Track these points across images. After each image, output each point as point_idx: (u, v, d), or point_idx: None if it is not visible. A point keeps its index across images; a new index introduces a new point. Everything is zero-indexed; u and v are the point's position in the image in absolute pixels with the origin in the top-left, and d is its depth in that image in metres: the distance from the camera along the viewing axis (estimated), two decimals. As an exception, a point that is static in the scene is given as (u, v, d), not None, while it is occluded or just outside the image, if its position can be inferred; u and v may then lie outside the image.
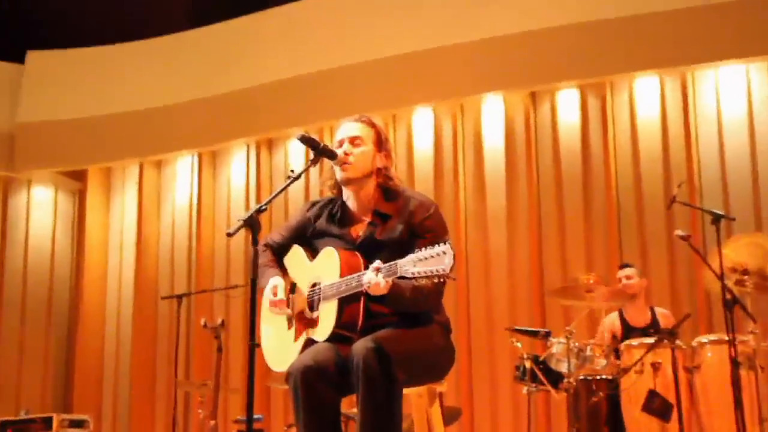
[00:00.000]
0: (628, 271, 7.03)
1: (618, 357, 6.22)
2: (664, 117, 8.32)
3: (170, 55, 10.26)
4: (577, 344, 6.16)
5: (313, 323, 3.69)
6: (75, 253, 10.79)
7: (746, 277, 5.88)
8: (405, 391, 3.58)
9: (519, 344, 6.42)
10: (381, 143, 3.84)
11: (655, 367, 5.85)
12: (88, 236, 10.62)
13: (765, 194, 7.89)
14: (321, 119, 9.34)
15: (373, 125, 3.86)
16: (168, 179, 10.53)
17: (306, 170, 3.74)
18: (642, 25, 8.23)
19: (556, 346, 6.22)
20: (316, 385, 3.50)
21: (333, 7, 9.66)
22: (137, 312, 10.26)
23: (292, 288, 3.85)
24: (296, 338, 3.75)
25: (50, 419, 8.48)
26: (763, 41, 7.90)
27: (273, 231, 4.07)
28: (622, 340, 6.53)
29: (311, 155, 3.71)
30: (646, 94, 8.42)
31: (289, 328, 3.79)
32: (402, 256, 3.35)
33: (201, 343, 9.61)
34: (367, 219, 3.78)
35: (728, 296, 5.28)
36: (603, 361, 6.14)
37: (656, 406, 5.77)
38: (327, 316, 3.60)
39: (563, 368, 6.12)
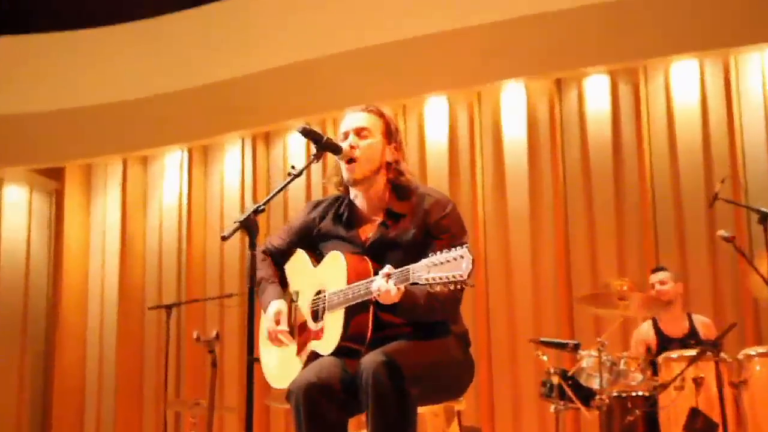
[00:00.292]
0: (661, 275, 7.01)
1: (655, 371, 6.21)
2: (705, 105, 8.30)
3: (157, 40, 10.27)
4: (609, 357, 6.14)
5: (317, 335, 3.68)
6: (52, 259, 10.80)
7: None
8: (419, 409, 3.56)
9: (545, 357, 6.41)
10: (390, 134, 3.84)
11: (698, 382, 5.82)
12: (67, 241, 10.64)
13: (818, 189, 7.87)
14: (324, 110, 9.34)
15: (381, 115, 3.85)
16: (155, 177, 10.54)
17: (308, 166, 3.73)
18: (679, 3, 8.21)
19: (587, 359, 6.21)
20: (321, 404, 3.49)
21: (336, -15, 9.67)
22: (122, 324, 10.27)
23: (295, 296, 3.85)
24: (299, 352, 3.75)
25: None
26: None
27: (272, 234, 4.07)
28: (658, 353, 6.51)
29: (313, 149, 3.70)
30: (683, 79, 8.40)
31: (292, 340, 3.78)
32: (415, 260, 3.34)
33: (193, 358, 9.62)
34: (377, 219, 3.78)
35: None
36: (639, 376, 6.12)
37: (699, 425, 5.74)
38: (332, 328, 3.60)
39: (595, 384, 6.11)
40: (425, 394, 3.54)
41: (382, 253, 3.65)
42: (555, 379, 6.28)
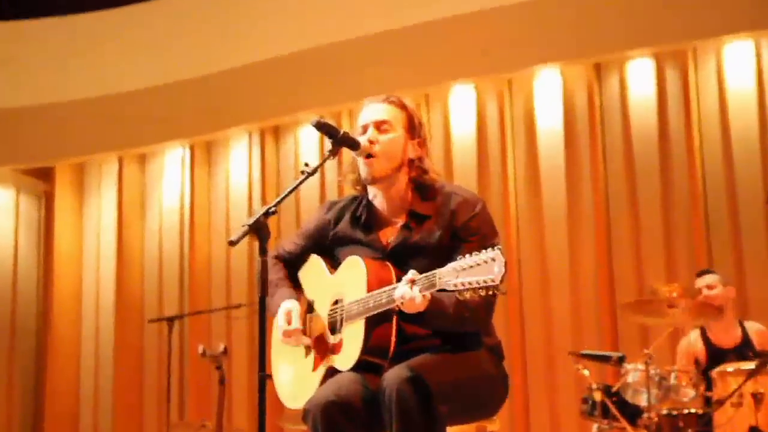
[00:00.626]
0: (708, 278, 6.98)
1: (709, 386, 6.19)
2: (761, 90, 8.27)
3: (155, 25, 10.29)
4: (658, 371, 6.14)
5: (335, 349, 3.71)
6: (41, 268, 10.86)
7: None
8: (448, 429, 3.59)
9: (586, 372, 6.41)
10: (414, 128, 3.86)
11: (757, 398, 5.82)
12: (58, 247, 10.69)
13: None
14: (339, 100, 9.36)
15: (403, 107, 3.87)
16: (153, 176, 10.59)
17: (323, 164, 3.75)
18: (732, -23, 8.21)
19: (633, 373, 6.21)
20: (340, 424, 3.52)
21: (352, -36, 9.69)
22: (119, 339, 10.32)
23: (310, 307, 3.87)
24: (315, 368, 3.77)
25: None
26: None
27: (284, 239, 4.09)
28: (707, 366, 6.50)
29: (328, 145, 3.72)
30: (737, 62, 8.37)
31: (307, 355, 3.81)
32: (442, 265, 3.36)
33: (198, 375, 9.66)
34: (399, 221, 3.80)
35: None
36: (691, 392, 6.12)
37: (758, 445, 5.74)
38: (352, 340, 3.62)
39: (642, 401, 6.11)
40: (454, 412, 3.56)
41: (405, 258, 3.67)
42: (597, 396, 6.28)
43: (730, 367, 6.16)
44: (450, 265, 3.32)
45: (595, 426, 6.37)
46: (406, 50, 9.15)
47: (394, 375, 3.45)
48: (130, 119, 10.27)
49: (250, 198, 9.94)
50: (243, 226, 3.43)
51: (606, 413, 6.29)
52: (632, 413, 6.20)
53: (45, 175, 10.86)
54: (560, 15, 8.68)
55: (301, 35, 9.56)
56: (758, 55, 8.32)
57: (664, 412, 6.06)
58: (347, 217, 3.91)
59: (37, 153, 10.66)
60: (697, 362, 6.72)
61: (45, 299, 10.71)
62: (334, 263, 3.88)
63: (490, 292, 3.25)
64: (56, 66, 10.51)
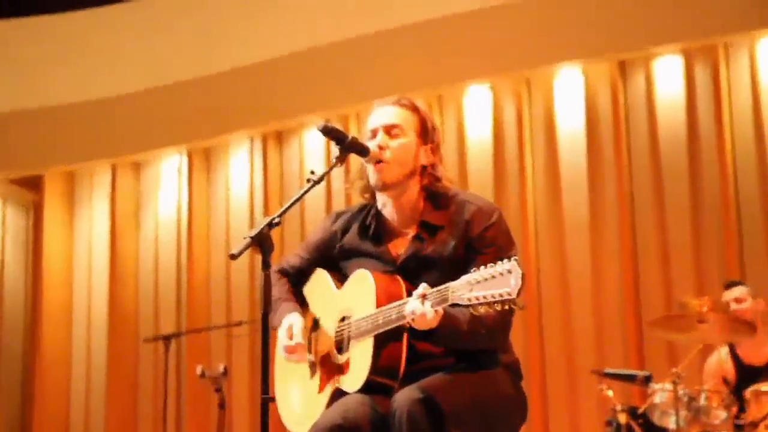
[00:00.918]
0: (737, 291, 6.96)
1: (743, 407, 6.19)
2: (799, 88, 8.30)
3: (150, 24, 10.33)
4: (687, 391, 6.14)
5: (341, 369, 3.72)
6: (30, 283, 10.90)
7: None
8: (463, 454, 3.60)
9: (610, 392, 6.41)
10: (426, 133, 3.87)
11: (795, 421, 5.82)
12: (47, 261, 10.73)
13: None
14: (346, 103, 9.39)
15: (415, 110, 3.89)
16: (149, 185, 10.62)
17: (329, 171, 3.78)
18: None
19: (660, 394, 6.21)
20: (348, 449, 3.54)
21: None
22: (112, 359, 10.35)
23: (315, 324, 3.89)
24: (321, 389, 3.78)
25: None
26: None
27: (288, 253, 4.11)
28: (737, 385, 6.49)
29: (336, 151, 3.74)
30: (773, 58, 8.40)
31: (312, 376, 3.83)
32: (455, 277, 3.37)
33: (196, 397, 9.68)
34: (411, 232, 3.81)
35: None
36: (723, 414, 6.12)
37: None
38: (360, 360, 3.63)
39: (670, 423, 6.11)
40: (469, 436, 3.58)
41: (416, 271, 3.69)
42: (622, 418, 6.29)
43: (765, 387, 6.16)
44: (464, 278, 3.33)
45: (620, 449, 6.37)
46: (418, 48, 9.17)
47: (404, 396, 3.46)
48: (123, 124, 10.31)
49: (251, 208, 9.97)
50: (244, 238, 3.45)
51: (632, 436, 6.29)
52: (660, 436, 6.21)
53: (33, 184, 10.89)
54: (582, 9, 8.69)
55: (306, 33, 9.59)
56: (796, 51, 8.34)
57: (694, 434, 6.07)
58: (355, 227, 3.93)
59: (25, 161, 10.70)
60: (725, 382, 6.71)
61: (33, 317, 10.74)
62: (341, 277, 3.89)
63: (507, 307, 3.25)
64: (44, 68, 10.53)
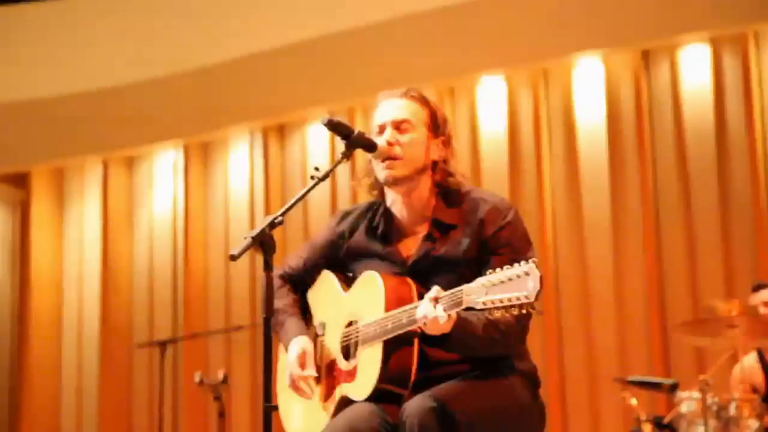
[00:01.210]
0: (766, 294, 6.97)
1: (775, 417, 6.20)
2: (832, 78, 8.30)
3: (143, 12, 10.33)
4: (716, 400, 6.15)
5: (348, 376, 3.73)
6: (17, 286, 10.90)
7: None
8: (477, 467, 3.61)
9: (634, 401, 6.42)
10: (437, 126, 3.88)
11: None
12: (35, 263, 10.75)
13: None
14: (352, 95, 9.40)
15: (425, 102, 3.90)
16: (143, 182, 10.64)
17: (335, 168, 3.78)
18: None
19: (687, 403, 6.22)
20: (355, 461, 3.55)
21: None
22: (105, 366, 10.36)
23: (320, 329, 3.90)
24: (326, 398, 3.80)
25: None
26: None
27: (290, 255, 4.12)
28: (767, 394, 6.49)
29: (341, 146, 3.75)
30: (806, 47, 8.40)
31: (318, 383, 3.84)
32: (469, 280, 3.39)
33: (194, 406, 9.69)
34: (422, 231, 3.83)
35: None
36: (754, 424, 6.12)
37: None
38: (368, 367, 3.64)
39: (697, 434, 6.12)
40: (484, 447, 3.59)
41: (427, 273, 3.71)
42: (647, 428, 6.29)
43: (798, 395, 6.17)
44: (478, 281, 3.35)
45: (644, 462, 6.38)
46: (428, 38, 9.18)
47: (415, 405, 3.48)
48: (115, 117, 10.32)
49: (252, 206, 9.98)
50: (245, 238, 3.46)
51: (657, 448, 6.30)
52: (687, 448, 6.22)
53: (19, 181, 10.91)
54: (603, -4, 8.71)
55: (310, 22, 9.59)
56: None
57: (724, 446, 6.08)
58: (362, 227, 3.94)
59: (10, 156, 10.71)
60: (754, 390, 6.71)
61: (20, 322, 10.75)
62: (348, 280, 3.91)
63: (524, 311, 3.27)
64: (30, 58, 10.54)
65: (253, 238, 3.44)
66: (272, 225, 3.48)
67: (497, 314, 3.30)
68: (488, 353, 3.65)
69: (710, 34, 8.57)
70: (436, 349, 3.59)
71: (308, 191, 3.70)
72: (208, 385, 6.72)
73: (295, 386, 3.77)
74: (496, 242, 3.71)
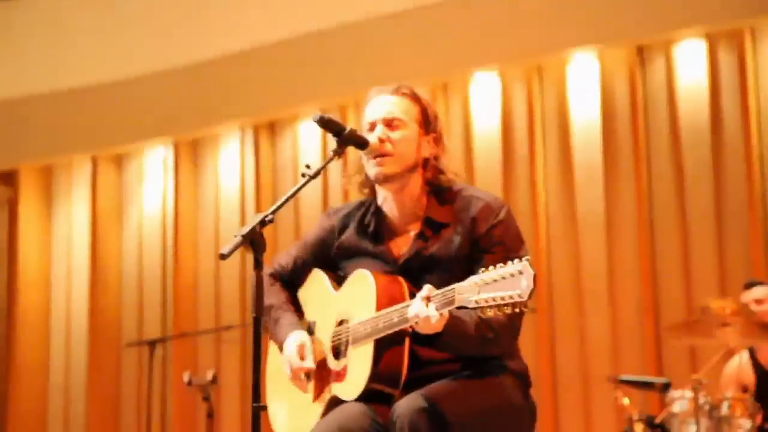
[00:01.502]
0: (758, 291, 6.97)
1: (767, 417, 6.20)
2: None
3: (132, 7, 10.33)
4: (708, 399, 6.16)
5: (338, 376, 3.74)
6: (4, 286, 10.89)
7: None
8: (469, 467, 3.62)
9: (626, 400, 6.43)
10: (428, 123, 3.89)
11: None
12: (23, 261, 10.75)
13: None
14: (344, 91, 9.40)
15: (416, 99, 3.90)
16: (132, 180, 10.64)
17: (326, 165, 3.78)
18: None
19: (679, 402, 6.23)
20: (345, 462, 3.56)
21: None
22: (93, 366, 10.36)
23: (310, 329, 3.91)
24: (316, 397, 3.81)
25: None
26: None
27: (280, 253, 4.13)
28: (758, 393, 6.50)
29: (332, 143, 3.76)
30: (802, 43, 8.41)
31: (307, 383, 3.84)
32: (461, 278, 3.40)
33: (183, 406, 9.69)
34: (413, 230, 3.83)
35: None
36: (747, 423, 6.13)
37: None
38: (358, 366, 3.65)
39: (690, 433, 6.13)
40: (475, 447, 3.60)
41: (419, 271, 3.72)
42: (639, 428, 6.30)
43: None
44: (471, 279, 3.35)
45: (636, 462, 6.40)
46: (421, 33, 9.18)
47: (406, 405, 3.49)
48: (104, 114, 10.32)
49: (242, 204, 9.98)
50: (235, 236, 3.46)
51: (649, 448, 6.32)
52: (679, 448, 6.23)
53: (7, 179, 10.90)
54: (597, -10, 8.72)
55: (301, 17, 9.59)
56: (828, 36, 8.35)
57: (717, 446, 6.09)
58: (353, 225, 3.94)
59: (-1, 154, 10.73)
60: (744, 389, 6.71)
61: (7, 322, 10.74)
62: (338, 279, 3.92)
63: (517, 310, 3.27)
64: (17, 54, 10.54)
65: (243, 236, 3.44)
66: (263, 223, 3.48)
67: (490, 313, 3.30)
68: (480, 352, 3.66)
69: (706, 29, 8.57)
70: (427, 348, 3.60)
71: (299, 189, 3.70)
72: (197, 386, 6.72)
73: (295, 378, 3.77)
74: (488, 240, 3.72)
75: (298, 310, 3.99)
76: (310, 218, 9.16)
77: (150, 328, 10.04)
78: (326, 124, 3.73)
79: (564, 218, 8.82)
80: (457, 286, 3.38)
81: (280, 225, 9.38)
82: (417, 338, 3.56)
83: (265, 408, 3.59)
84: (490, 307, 3.29)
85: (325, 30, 9.46)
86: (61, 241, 10.81)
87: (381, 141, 3.79)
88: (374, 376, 3.59)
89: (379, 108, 3.85)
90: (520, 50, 9.05)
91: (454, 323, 3.49)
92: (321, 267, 3.99)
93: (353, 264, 3.85)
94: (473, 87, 9.27)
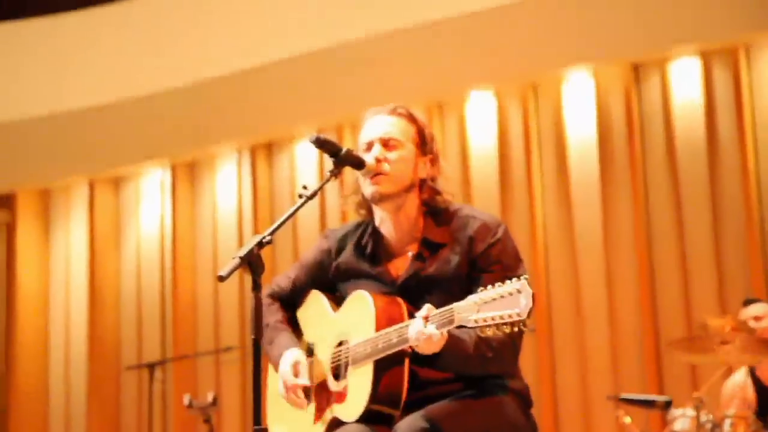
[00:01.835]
0: (755, 309, 6.96)
1: (769, 433, 6.20)
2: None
3: (128, 30, 10.34)
4: (710, 417, 6.15)
5: (339, 397, 3.73)
6: (3, 309, 10.87)
7: None
8: (469, 487, 3.61)
9: (627, 419, 6.42)
10: (425, 144, 3.89)
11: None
12: (21, 285, 10.73)
13: None
14: (339, 112, 9.40)
15: (412, 119, 3.91)
16: (129, 202, 10.63)
17: (323, 186, 3.77)
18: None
19: (681, 420, 6.22)
20: (345, 484, 3.56)
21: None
22: (92, 389, 10.34)
23: (309, 351, 3.90)
24: (317, 419, 3.79)
25: None
26: None
27: (279, 275, 4.12)
28: (758, 410, 6.48)
29: (329, 164, 3.75)
30: (797, 60, 8.42)
31: (307, 405, 3.83)
32: (460, 298, 3.39)
33: (184, 429, 9.66)
34: (411, 250, 3.83)
35: None
36: (749, 440, 6.13)
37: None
38: (358, 387, 3.64)
39: (691, 451, 6.12)
40: (477, 467, 3.59)
41: (418, 292, 3.71)
42: (642, 446, 6.29)
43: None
44: (470, 298, 3.35)
45: (639, 481, 6.38)
46: (417, 53, 9.20)
47: (407, 426, 3.49)
48: (101, 137, 10.31)
49: (240, 226, 9.98)
50: (233, 258, 3.45)
51: (651, 466, 6.31)
52: (681, 466, 6.22)
53: (5, 203, 10.89)
54: (592, 8, 8.71)
55: (297, 38, 9.60)
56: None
57: (718, 464, 6.08)
58: (351, 246, 3.94)
59: (-4, 178, 10.72)
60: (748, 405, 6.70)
61: (6, 347, 10.72)
62: (337, 300, 3.91)
63: (516, 329, 3.27)
64: (13, 77, 10.54)
65: (241, 257, 3.43)
66: (260, 244, 3.47)
67: (489, 332, 3.30)
68: (481, 371, 3.66)
69: (700, 46, 8.58)
70: (426, 369, 3.59)
71: (297, 210, 3.70)
72: (197, 408, 6.72)
73: (289, 396, 3.76)
74: (486, 260, 3.72)
75: (296, 330, 3.97)
76: (308, 239, 9.16)
77: (149, 351, 10.02)
78: (322, 144, 3.73)
79: (561, 237, 8.81)
80: (455, 305, 3.38)
81: (278, 246, 9.38)
82: (416, 359, 3.55)
83: (266, 430, 3.57)
84: (489, 326, 3.29)
85: (321, 51, 9.47)
86: (59, 264, 10.80)
87: (378, 161, 3.79)
88: (374, 397, 3.58)
89: (376, 128, 3.86)
90: (516, 69, 9.07)
91: (453, 342, 3.49)
92: (319, 288, 3.98)
93: (351, 285, 3.84)
94: (469, 106, 9.27)
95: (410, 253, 3.81)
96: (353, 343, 3.70)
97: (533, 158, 8.99)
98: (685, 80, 8.64)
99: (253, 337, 3.43)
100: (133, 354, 10.15)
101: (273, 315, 3.96)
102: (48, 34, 10.52)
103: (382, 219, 3.88)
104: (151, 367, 7.84)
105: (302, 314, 4.01)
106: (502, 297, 3.27)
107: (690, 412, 6.15)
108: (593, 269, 8.66)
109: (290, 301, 4.02)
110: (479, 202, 8.74)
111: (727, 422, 6.15)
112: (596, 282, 8.63)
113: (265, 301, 3.93)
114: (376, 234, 3.89)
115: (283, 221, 3.66)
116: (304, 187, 3.69)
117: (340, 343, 3.77)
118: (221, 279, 3.42)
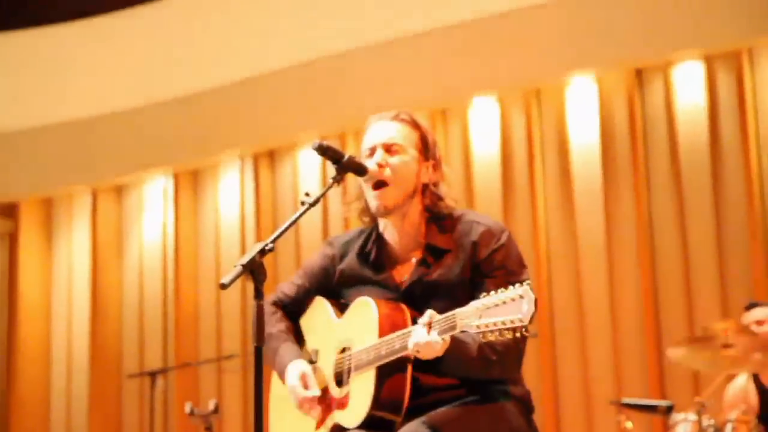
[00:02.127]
0: (758, 313, 6.95)
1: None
2: (829, 96, 8.32)
3: (131, 39, 10.31)
4: (712, 422, 6.14)
5: (341, 404, 3.75)
6: (5, 318, 10.86)
7: None
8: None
9: (629, 424, 6.41)
10: (428, 150, 3.91)
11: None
12: (23, 294, 10.74)
13: None
14: (342, 119, 9.41)
15: (415, 125, 3.92)
16: (132, 211, 10.63)
17: (326, 193, 3.79)
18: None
19: (683, 425, 6.22)
20: (347, 492, 3.57)
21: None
22: (94, 397, 10.34)
23: (314, 356, 3.91)
24: (318, 426, 3.80)
25: None
26: None
27: (283, 282, 4.13)
28: (761, 415, 6.49)
29: (332, 171, 3.77)
30: (800, 64, 8.42)
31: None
32: (464, 303, 3.40)
33: (185, 437, 9.68)
34: (414, 256, 3.85)
35: None
36: (751, 445, 6.12)
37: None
38: (360, 393, 3.65)
39: (694, 456, 6.12)
40: (479, 473, 3.59)
41: (422, 298, 3.72)
42: (644, 452, 6.29)
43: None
44: (472, 304, 3.36)
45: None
46: (419, 60, 9.20)
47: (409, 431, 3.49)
48: (103, 146, 10.33)
49: (242, 233, 9.98)
50: (235, 266, 3.45)
51: (655, 471, 6.31)
52: (683, 471, 6.22)
53: (8, 212, 10.89)
54: (594, 14, 8.71)
55: (300, 46, 9.60)
56: (827, 56, 8.37)
57: (721, 469, 6.08)
58: (354, 253, 3.95)
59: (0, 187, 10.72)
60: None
61: (9, 355, 10.71)
62: (340, 306, 3.92)
63: (518, 334, 3.28)
64: (16, 87, 10.54)
65: (243, 265, 3.44)
66: (263, 252, 3.48)
67: (491, 337, 3.31)
68: (484, 375, 3.66)
69: (703, 51, 8.57)
70: (429, 375, 3.61)
71: (299, 217, 3.71)
72: (199, 416, 6.71)
73: (302, 408, 3.75)
74: (489, 265, 3.73)
75: (299, 339, 3.99)
76: (311, 246, 9.16)
77: (151, 359, 10.02)
78: (325, 151, 3.75)
79: (564, 242, 8.81)
80: (458, 311, 3.39)
81: (281, 253, 9.38)
82: (419, 365, 3.56)
83: (268, 438, 3.60)
84: (492, 331, 3.30)
85: (323, 58, 9.48)
86: (61, 273, 10.81)
87: (380, 166, 3.80)
88: (376, 404, 3.59)
89: (378, 133, 3.88)
90: (519, 75, 9.06)
91: (455, 345, 3.50)
92: (324, 294, 3.99)
93: (355, 292, 3.86)
94: (472, 112, 9.27)
95: (414, 259, 3.83)
96: (356, 350, 3.71)
97: (536, 164, 8.99)
98: (688, 85, 8.63)
99: (255, 345, 3.44)
100: (135, 362, 10.15)
101: (275, 324, 3.96)
102: (50, 44, 10.50)
103: (386, 225, 3.90)
104: (152, 375, 7.84)
105: (306, 320, 4.02)
106: (504, 303, 3.28)
107: (692, 416, 6.14)
108: (596, 274, 8.65)
109: (294, 308, 4.04)
110: (482, 207, 8.74)
111: (729, 427, 6.15)
112: (598, 287, 8.63)
113: (269, 309, 3.95)
114: (380, 240, 3.91)
115: (285, 228, 3.66)
116: (307, 194, 3.71)
117: (344, 350, 3.79)
118: (223, 287, 3.42)
